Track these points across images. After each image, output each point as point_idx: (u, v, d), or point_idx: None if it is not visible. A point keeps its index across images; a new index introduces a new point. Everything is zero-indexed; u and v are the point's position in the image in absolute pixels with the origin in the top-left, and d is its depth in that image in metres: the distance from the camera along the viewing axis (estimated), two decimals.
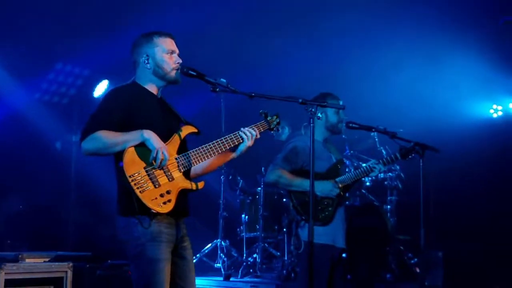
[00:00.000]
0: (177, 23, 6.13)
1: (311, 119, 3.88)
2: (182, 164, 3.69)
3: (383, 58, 7.97)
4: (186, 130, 3.81)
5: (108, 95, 3.73)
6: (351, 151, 7.46)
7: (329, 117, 5.11)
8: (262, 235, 7.18)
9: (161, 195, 3.57)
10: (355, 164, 7.38)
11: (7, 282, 5.05)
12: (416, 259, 7.28)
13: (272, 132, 4.02)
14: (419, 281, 6.50)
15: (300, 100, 3.89)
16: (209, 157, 3.76)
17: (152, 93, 3.84)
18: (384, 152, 7.27)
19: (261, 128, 3.95)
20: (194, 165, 3.74)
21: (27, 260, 5.32)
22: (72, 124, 8.46)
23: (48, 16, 7.08)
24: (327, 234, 4.84)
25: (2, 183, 7.53)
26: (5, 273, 5.04)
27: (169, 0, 7.27)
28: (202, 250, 7.39)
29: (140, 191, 3.50)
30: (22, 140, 7.72)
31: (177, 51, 3.88)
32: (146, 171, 3.56)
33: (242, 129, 3.86)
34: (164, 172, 3.62)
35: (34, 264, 5.34)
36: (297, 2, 7.55)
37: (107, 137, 3.55)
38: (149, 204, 3.52)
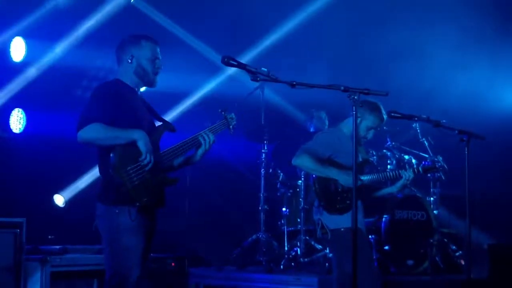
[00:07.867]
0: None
1: (353, 107, 3.83)
2: (159, 162, 3.95)
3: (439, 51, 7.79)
4: (164, 129, 4.08)
5: (97, 91, 3.97)
6: (393, 143, 7.39)
7: (363, 122, 5.20)
8: (303, 228, 7.14)
9: (146, 189, 3.82)
10: (397, 156, 7.29)
11: (53, 274, 5.17)
12: (460, 252, 7.16)
13: (230, 132, 4.27)
14: (464, 273, 6.37)
15: (342, 88, 3.83)
16: (176, 158, 4.10)
17: (134, 90, 4.10)
18: (426, 143, 7.14)
19: (218, 130, 4.20)
20: (165, 165, 4.03)
21: (72, 254, 5.42)
22: None
23: None
24: (345, 220, 4.87)
25: (46, 179, 7.59)
26: (51, 266, 5.16)
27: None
28: (244, 243, 7.38)
29: (129, 184, 3.76)
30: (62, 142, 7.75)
31: (160, 58, 4.14)
32: (134, 167, 3.80)
33: (201, 133, 4.10)
34: (147, 169, 3.86)
35: (79, 257, 5.44)
36: None
37: (105, 129, 3.80)
38: (136, 198, 3.78)
